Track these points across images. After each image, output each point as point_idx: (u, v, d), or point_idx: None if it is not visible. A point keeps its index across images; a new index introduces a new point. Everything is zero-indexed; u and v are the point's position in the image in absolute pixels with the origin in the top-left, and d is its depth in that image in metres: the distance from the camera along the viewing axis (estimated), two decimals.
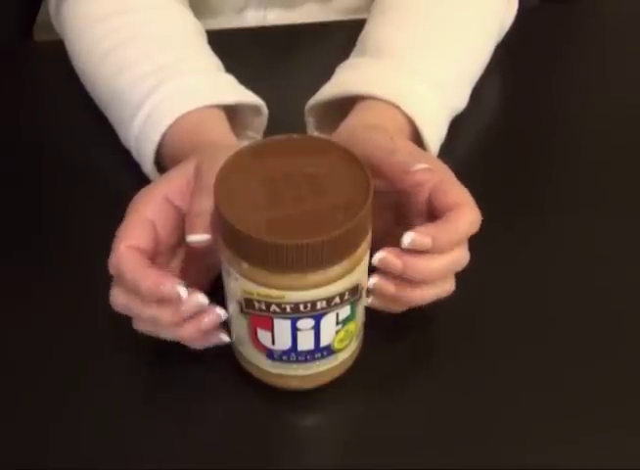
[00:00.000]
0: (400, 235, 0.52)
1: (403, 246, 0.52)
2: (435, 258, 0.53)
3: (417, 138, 0.65)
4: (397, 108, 0.64)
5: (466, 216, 0.53)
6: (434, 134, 0.66)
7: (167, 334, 0.54)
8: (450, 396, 0.57)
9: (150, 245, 0.53)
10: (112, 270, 0.53)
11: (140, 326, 0.55)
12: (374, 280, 0.54)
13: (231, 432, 0.55)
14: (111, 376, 0.58)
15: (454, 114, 0.70)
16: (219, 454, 0.54)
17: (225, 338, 0.55)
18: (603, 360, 0.58)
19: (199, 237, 0.51)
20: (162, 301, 0.51)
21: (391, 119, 0.64)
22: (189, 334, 0.53)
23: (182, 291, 0.51)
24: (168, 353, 0.58)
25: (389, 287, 0.54)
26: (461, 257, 0.55)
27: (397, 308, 0.56)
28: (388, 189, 0.55)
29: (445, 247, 0.53)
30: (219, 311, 0.53)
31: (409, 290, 0.54)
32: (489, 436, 0.55)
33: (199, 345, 0.55)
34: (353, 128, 0.62)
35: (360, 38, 0.73)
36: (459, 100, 0.70)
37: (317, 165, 0.51)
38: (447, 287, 0.56)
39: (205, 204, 0.51)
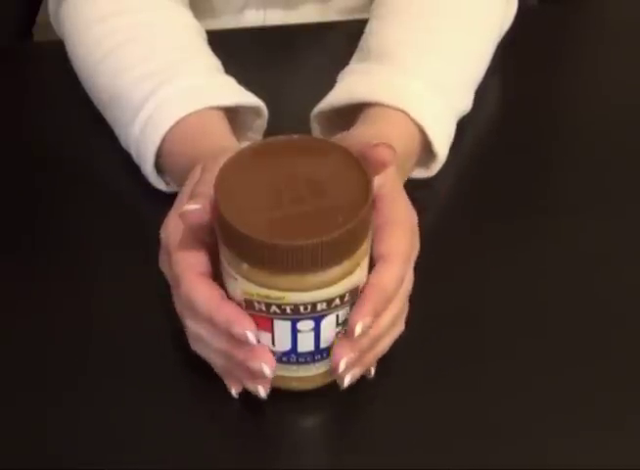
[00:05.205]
0: None
1: (357, 335, 0.50)
2: (380, 324, 0.52)
3: (427, 143, 0.65)
4: (406, 114, 0.64)
5: (388, 275, 0.52)
6: (444, 141, 0.67)
7: (217, 357, 0.54)
8: (450, 395, 0.57)
9: (209, 264, 0.53)
10: (183, 300, 0.52)
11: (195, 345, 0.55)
12: (348, 382, 0.53)
13: (231, 432, 0.55)
14: (109, 376, 0.58)
15: (459, 117, 0.70)
16: (219, 454, 0.54)
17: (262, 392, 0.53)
18: (602, 360, 0.59)
19: (193, 206, 0.50)
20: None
21: (402, 127, 0.64)
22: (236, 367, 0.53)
23: (251, 336, 0.50)
24: (168, 354, 0.58)
25: (357, 372, 0.54)
26: (402, 306, 0.54)
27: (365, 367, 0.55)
28: None
29: (382, 310, 0.52)
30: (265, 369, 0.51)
31: (368, 356, 0.54)
32: (490, 435, 0.55)
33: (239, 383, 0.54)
34: (362, 137, 0.61)
35: (362, 43, 0.72)
36: (464, 103, 0.70)
37: (317, 166, 0.51)
38: (398, 329, 0.55)
39: (206, 189, 0.51)
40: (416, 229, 0.55)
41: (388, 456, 0.54)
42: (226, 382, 0.55)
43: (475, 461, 0.54)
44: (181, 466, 0.54)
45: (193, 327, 0.53)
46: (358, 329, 0.50)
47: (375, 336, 0.53)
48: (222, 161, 0.51)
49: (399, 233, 0.53)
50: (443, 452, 0.54)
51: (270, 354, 0.51)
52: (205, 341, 0.53)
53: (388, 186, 0.55)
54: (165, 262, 0.55)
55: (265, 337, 0.52)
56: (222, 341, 0.52)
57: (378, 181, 0.53)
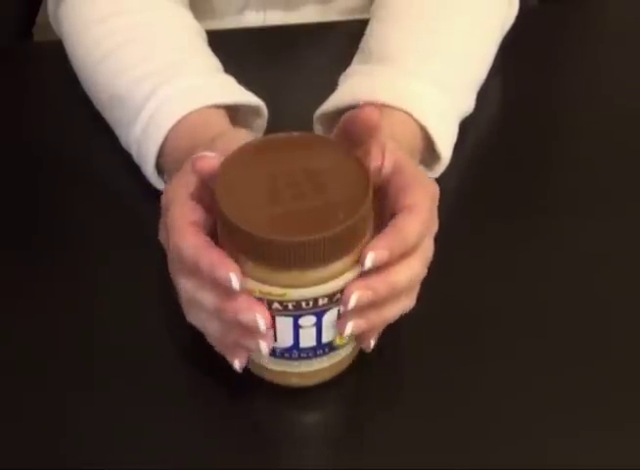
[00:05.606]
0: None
1: (367, 268, 0.50)
2: (397, 274, 0.52)
3: (430, 143, 0.65)
4: (409, 115, 0.64)
5: (411, 224, 0.51)
6: (447, 142, 0.67)
7: (211, 321, 0.52)
8: (450, 395, 0.57)
9: (204, 220, 0.52)
10: (174, 254, 0.52)
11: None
12: (350, 329, 0.52)
13: (231, 431, 0.55)
14: (109, 376, 0.58)
15: (462, 118, 0.70)
16: (220, 453, 0.54)
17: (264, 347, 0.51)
18: (602, 360, 0.59)
19: (208, 152, 0.51)
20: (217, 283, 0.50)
21: (405, 126, 0.64)
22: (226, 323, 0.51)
23: (234, 280, 0.48)
24: (168, 354, 0.58)
25: (362, 324, 0.52)
26: (420, 269, 0.53)
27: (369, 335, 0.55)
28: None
29: (398, 255, 0.51)
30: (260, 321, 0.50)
31: (377, 315, 0.53)
32: (490, 435, 0.55)
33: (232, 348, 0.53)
34: None
35: (363, 44, 0.72)
36: (466, 104, 0.70)
37: (318, 163, 0.51)
38: (409, 302, 0.54)
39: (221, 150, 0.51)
40: (437, 197, 0.55)
41: (387, 456, 0.54)
42: (227, 356, 0.53)
43: (475, 461, 0.53)
44: (181, 466, 0.54)
45: (184, 287, 0.52)
46: (369, 261, 0.49)
47: (390, 284, 0.51)
48: (231, 136, 0.51)
49: (422, 192, 0.53)
50: (443, 452, 0.54)
51: (262, 306, 0.50)
52: (196, 301, 0.52)
53: (403, 160, 0.54)
54: (163, 231, 0.54)
55: None
56: (212, 295, 0.51)
57: (389, 161, 0.53)
